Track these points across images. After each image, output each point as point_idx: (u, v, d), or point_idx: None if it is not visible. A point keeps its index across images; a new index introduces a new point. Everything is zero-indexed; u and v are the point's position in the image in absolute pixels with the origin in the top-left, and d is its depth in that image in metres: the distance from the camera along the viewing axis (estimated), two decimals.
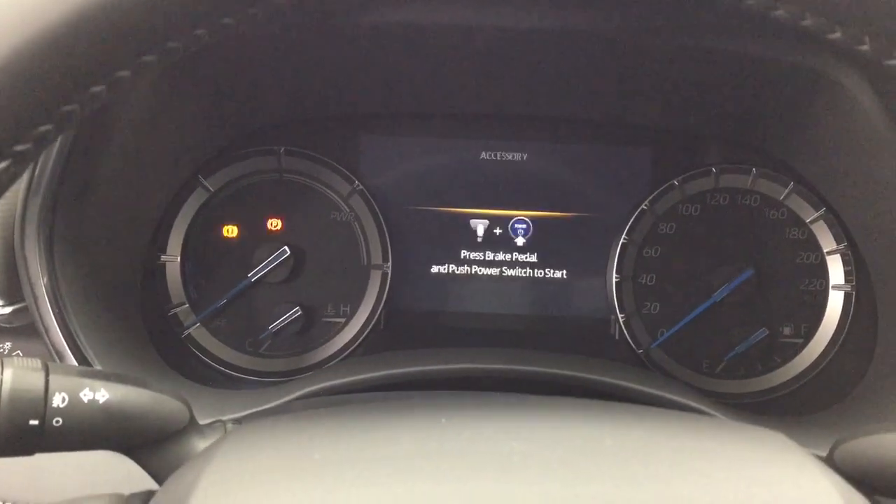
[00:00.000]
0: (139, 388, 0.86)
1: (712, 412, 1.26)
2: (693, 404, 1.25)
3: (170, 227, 1.75)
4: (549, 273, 1.83)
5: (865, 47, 0.66)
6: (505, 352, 1.46)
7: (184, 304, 1.77)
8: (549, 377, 1.29)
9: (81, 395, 0.81)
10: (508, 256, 1.83)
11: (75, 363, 1.33)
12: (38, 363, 0.81)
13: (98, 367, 1.34)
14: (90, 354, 1.34)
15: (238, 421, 1.17)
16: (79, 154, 1.34)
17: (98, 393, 0.83)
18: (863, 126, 1.45)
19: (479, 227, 1.83)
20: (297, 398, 1.24)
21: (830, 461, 0.87)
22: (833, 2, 0.63)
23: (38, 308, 1.33)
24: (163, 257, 1.75)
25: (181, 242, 1.76)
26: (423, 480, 0.70)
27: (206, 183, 1.76)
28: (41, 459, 0.82)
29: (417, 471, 0.72)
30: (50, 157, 1.31)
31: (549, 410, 0.96)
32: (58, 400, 0.80)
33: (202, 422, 0.95)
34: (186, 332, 1.76)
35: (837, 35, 0.65)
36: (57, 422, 0.80)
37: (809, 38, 0.68)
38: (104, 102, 0.65)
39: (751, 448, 0.85)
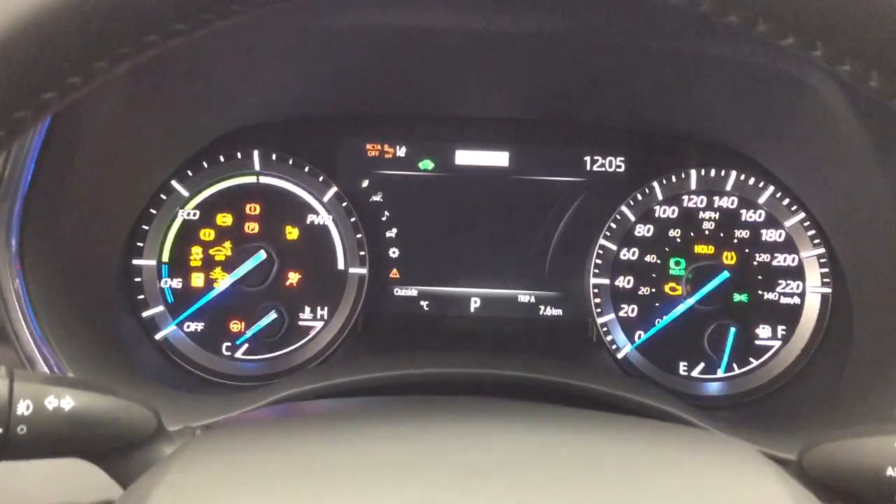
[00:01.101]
0: (106, 395, 0.85)
1: (688, 417, 1.25)
2: (668, 409, 1.24)
3: (145, 230, 1.74)
4: (527, 276, 1.82)
5: (817, 53, 0.66)
6: (477, 358, 1.45)
7: (159, 307, 1.76)
8: (521, 382, 1.28)
9: (46, 402, 0.80)
10: (486, 259, 1.83)
11: (46, 369, 1.31)
12: (1, 370, 0.80)
13: (69, 374, 1.32)
14: (62, 360, 1.33)
15: (208, 427, 1.17)
16: (50, 158, 1.33)
17: (63, 400, 0.81)
18: (838, 131, 1.45)
19: (457, 230, 1.82)
20: (269, 404, 1.22)
21: (799, 466, 0.87)
22: (782, 7, 0.63)
23: (7, 313, 1.31)
24: (138, 260, 1.74)
25: (157, 246, 1.75)
26: (383, 493, 0.70)
27: (181, 186, 1.75)
28: (7, 466, 0.81)
29: (377, 482, 0.72)
30: (20, 161, 1.30)
31: (518, 418, 0.96)
32: (22, 407, 0.79)
33: (173, 428, 0.94)
34: (161, 336, 1.75)
35: (790, 41, 0.65)
36: (21, 430, 0.79)
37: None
38: (57, 109, 0.64)
39: (709, 456, 0.86)
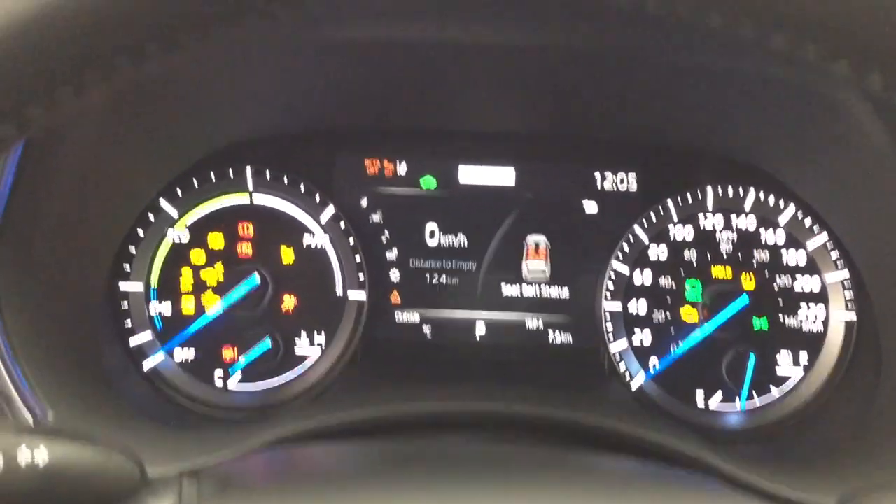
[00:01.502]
0: (84, 445, 0.79)
1: (711, 461, 1.17)
2: (692, 454, 1.16)
3: (132, 252, 1.66)
4: (535, 302, 1.75)
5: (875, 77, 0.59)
6: (484, 390, 1.37)
7: (147, 334, 1.67)
8: (536, 420, 1.21)
9: (19, 458, 0.73)
10: (492, 284, 1.75)
11: (23, 406, 1.22)
12: None
13: (48, 411, 1.23)
14: (41, 397, 1.24)
15: (194, 474, 1.08)
16: (28, 174, 1.25)
17: (37, 452, 0.75)
18: (866, 147, 1.38)
19: (461, 253, 1.74)
20: (261, 446, 1.14)
21: None
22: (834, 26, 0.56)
23: None
24: (124, 285, 1.66)
25: (145, 269, 1.68)
26: None
27: (170, 205, 1.67)
28: None
29: None
30: None
31: (538, 465, 0.89)
32: None
33: (158, 469, 0.87)
34: (149, 365, 1.67)
35: (843, 65, 0.58)
36: None
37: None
38: (12, 142, 0.56)
39: None
